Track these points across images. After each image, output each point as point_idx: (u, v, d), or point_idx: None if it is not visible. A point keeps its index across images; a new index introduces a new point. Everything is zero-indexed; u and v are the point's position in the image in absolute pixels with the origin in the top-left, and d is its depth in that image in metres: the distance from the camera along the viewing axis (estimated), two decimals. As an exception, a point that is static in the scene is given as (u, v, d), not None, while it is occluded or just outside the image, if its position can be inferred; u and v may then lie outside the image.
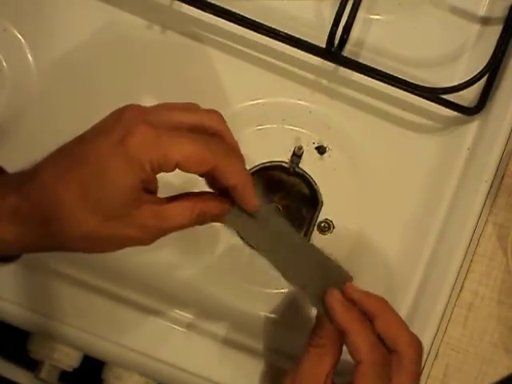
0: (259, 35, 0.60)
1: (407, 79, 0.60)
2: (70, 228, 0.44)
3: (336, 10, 0.58)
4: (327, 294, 0.49)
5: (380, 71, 0.60)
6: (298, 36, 0.60)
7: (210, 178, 0.48)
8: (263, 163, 0.61)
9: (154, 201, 0.46)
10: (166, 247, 0.60)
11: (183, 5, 0.61)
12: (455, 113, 0.61)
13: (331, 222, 0.61)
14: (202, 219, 0.47)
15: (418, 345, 0.48)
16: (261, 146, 0.61)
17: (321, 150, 0.62)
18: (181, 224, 0.47)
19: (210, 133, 0.48)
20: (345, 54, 0.60)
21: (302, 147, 0.61)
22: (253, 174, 0.61)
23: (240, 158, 0.49)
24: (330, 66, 0.62)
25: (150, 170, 0.44)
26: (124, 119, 0.45)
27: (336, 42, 0.59)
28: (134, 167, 0.44)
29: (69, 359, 0.59)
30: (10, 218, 0.44)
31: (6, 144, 0.61)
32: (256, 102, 0.62)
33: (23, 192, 0.44)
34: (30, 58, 0.62)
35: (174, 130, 0.45)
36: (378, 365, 0.47)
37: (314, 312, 0.52)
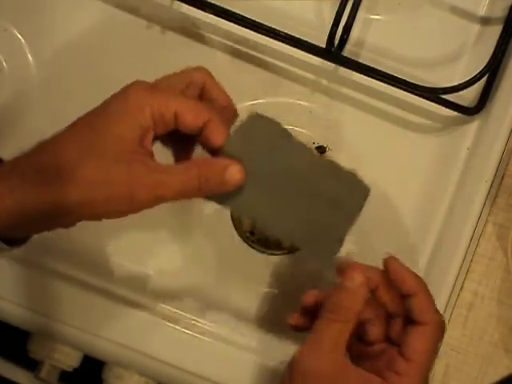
0: (259, 35, 0.60)
1: (407, 79, 0.60)
2: (65, 174, 0.44)
3: (336, 9, 0.58)
4: (388, 260, 0.49)
5: (380, 71, 0.60)
6: (298, 36, 0.60)
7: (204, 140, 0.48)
8: (263, 163, 0.61)
9: (150, 157, 0.46)
10: (165, 247, 0.60)
11: (183, 5, 0.61)
12: (455, 113, 0.61)
13: (331, 221, 0.61)
14: (204, 178, 0.46)
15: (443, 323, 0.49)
16: (261, 146, 0.61)
17: (321, 150, 0.62)
18: (179, 179, 0.45)
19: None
20: (345, 54, 0.60)
21: (302, 147, 0.61)
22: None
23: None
24: (330, 66, 0.62)
25: (149, 115, 0.45)
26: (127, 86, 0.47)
27: (336, 42, 0.59)
28: (132, 108, 0.45)
29: (69, 359, 0.59)
30: (6, 177, 0.44)
31: (6, 144, 0.60)
32: (256, 102, 0.62)
33: (22, 155, 0.45)
34: (30, 58, 0.63)
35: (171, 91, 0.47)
36: (441, 328, 0.48)
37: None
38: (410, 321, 0.48)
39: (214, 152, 0.47)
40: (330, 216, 0.48)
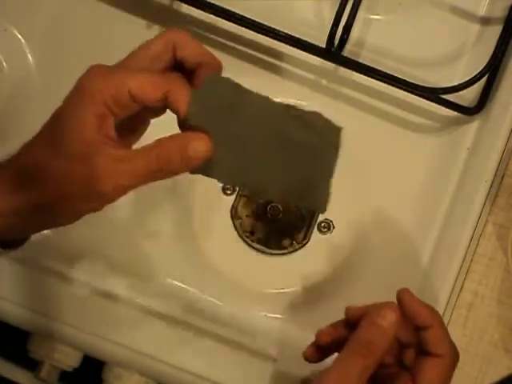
0: (259, 35, 0.60)
1: (407, 79, 0.60)
2: (41, 173, 0.44)
3: (336, 9, 0.58)
4: (401, 292, 0.49)
5: (380, 71, 0.60)
6: (297, 36, 0.60)
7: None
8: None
9: (111, 144, 0.44)
10: (165, 247, 0.60)
11: (183, 5, 0.61)
12: (455, 113, 0.61)
13: (331, 222, 0.61)
14: (164, 158, 0.44)
15: (457, 354, 0.49)
16: (261, 146, 0.61)
17: (321, 149, 0.61)
18: (139, 164, 0.44)
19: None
20: (345, 54, 0.60)
21: (302, 147, 0.61)
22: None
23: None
24: (330, 66, 0.62)
25: (101, 102, 0.44)
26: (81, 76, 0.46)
27: (336, 42, 0.59)
28: (83, 99, 0.44)
29: (69, 359, 0.59)
30: None
31: (6, 144, 0.60)
32: (256, 101, 0.62)
33: (5, 160, 0.45)
34: (30, 58, 0.63)
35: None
36: (455, 360, 0.48)
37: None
38: (423, 351, 0.48)
39: (184, 127, 0.46)
40: (310, 162, 0.47)
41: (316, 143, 0.47)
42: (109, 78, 0.45)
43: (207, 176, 0.46)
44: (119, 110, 0.45)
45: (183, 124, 0.45)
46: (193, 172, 0.45)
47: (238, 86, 0.46)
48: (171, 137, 0.44)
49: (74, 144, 0.44)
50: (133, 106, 0.45)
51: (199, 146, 0.44)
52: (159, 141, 0.44)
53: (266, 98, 0.46)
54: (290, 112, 0.47)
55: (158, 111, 0.48)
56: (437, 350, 0.47)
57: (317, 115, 0.47)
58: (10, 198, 0.44)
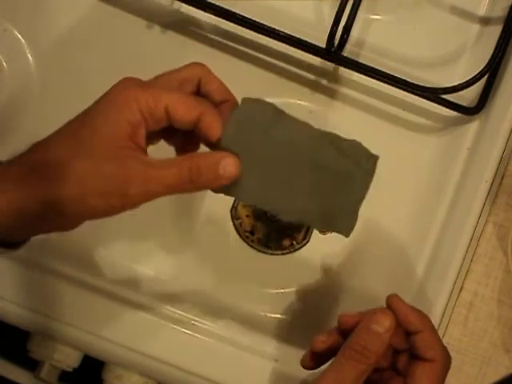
0: (259, 35, 0.60)
1: (407, 79, 0.60)
2: (57, 171, 0.44)
3: (336, 9, 0.58)
4: (390, 298, 0.49)
5: (380, 71, 0.60)
6: (298, 36, 0.60)
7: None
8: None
9: (141, 152, 0.45)
10: (166, 247, 0.60)
11: (183, 5, 0.61)
12: (455, 113, 0.61)
13: (331, 221, 0.61)
14: (195, 171, 0.45)
15: (449, 357, 0.49)
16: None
17: (321, 149, 0.61)
18: (171, 173, 0.44)
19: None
20: (345, 54, 0.60)
21: (302, 147, 0.61)
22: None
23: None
24: (330, 66, 0.62)
25: (137, 110, 0.44)
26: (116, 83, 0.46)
27: (336, 42, 0.59)
28: (118, 104, 0.44)
29: (69, 359, 0.59)
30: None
31: (6, 144, 0.61)
32: (256, 102, 0.62)
33: (16, 157, 0.45)
34: (30, 58, 0.63)
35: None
36: (447, 364, 0.48)
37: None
38: (415, 355, 0.48)
39: (213, 146, 0.47)
40: (340, 189, 0.47)
41: (352, 171, 0.47)
42: (146, 90, 0.45)
43: (230, 196, 0.47)
44: (152, 122, 0.45)
45: (214, 145, 0.46)
46: (218, 191, 0.47)
47: (274, 109, 0.47)
48: (204, 153, 0.46)
49: (105, 146, 0.44)
50: (163, 123, 0.46)
51: (230, 166, 0.45)
52: (191, 155, 0.46)
53: (304, 124, 0.47)
54: (328, 139, 0.47)
55: (174, 132, 0.48)
56: (427, 355, 0.48)
57: (356, 144, 0.48)
58: (16, 194, 0.44)
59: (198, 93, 0.49)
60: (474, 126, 0.61)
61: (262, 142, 0.46)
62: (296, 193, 0.47)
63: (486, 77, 0.59)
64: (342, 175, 0.47)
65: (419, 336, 0.48)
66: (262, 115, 0.47)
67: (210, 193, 0.47)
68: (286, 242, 0.62)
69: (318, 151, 0.47)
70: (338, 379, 0.47)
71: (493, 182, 0.59)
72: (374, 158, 0.48)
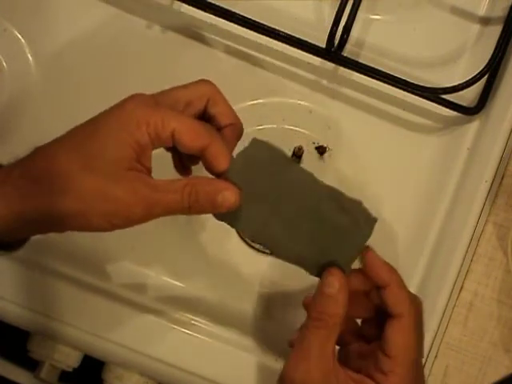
0: (259, 35, 0.60)
1: (407, 79, 0.60)
2: (62, 184, 0.44)
3: (336, 9, 0.58)
4: (365, 253, 0.48)
5: (380, 71, 0.60)
6: (297, 36, 0.60)
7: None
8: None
9: (147, 174, 0.46)
10: (166, 248, 0.60)
11: (183, 5, 0.61)
12: (455, 113, 0.61)
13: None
14: (194, 198, 0.46)
15: (419, 305, 0.49)
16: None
17: (321, 150, 0.61)
18: (173, 198, 0.45)
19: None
20: (345, 54, 0.60)
21: (301, 147, 0.61)
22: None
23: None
24: (330, 65, 0.62)
25: (146, 131, 0.44)
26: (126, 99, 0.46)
27: (336, 41, 0.59)
28: (129, 124, 0.44)
29: (69, 359, 0.59)
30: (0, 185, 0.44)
31: (6, 143, 0.61)
32: (256, 102, 0.62)
33: (17, 162, 0.45)
34: (30, 58, 0.63)
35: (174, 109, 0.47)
36: (418, 317, 0.48)
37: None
38: (388, 314, 0.48)
39: (216, 175, 0.47)
40: (336, 243, 0.48)
41: (350, 229, 0.48)
42: (156, 111, 0.45)
43: (232, 226, 0.48)
44: (158, 143, 0.46)
45: (217, 174, 0.47)
46: (220, 219, 0.48)
47: (283, 156, 0.48)
48: (206, 179, 0.47)
49: (112, 166, 0.44)
50: (168, 145, 0.46)
51: (228, 196, 0.46)
52: (192, 179, 0.46)
53: (310, 175, 0.48)
54: (331, 193, 0.48)
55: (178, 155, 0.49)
56: (396, 311, 0.47)
57: (357, 203, 0.48)
58: (17, 200, 0.44)
59: (205, 113, 0.49)
60: (474, 125, 0.61)
61: (267, 183, 0.47)
62: (294, 237, 0.48)
63: (485, 77, 0.59)
64: (340, 230, 0.48)
65: (387, 291, 0.47)
66: (270, 158, 0.48)
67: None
68: (286, 242, 0.62)
69: (319, 203, 0.48)
70: (303, 349, 0.47)
71: (493, 182, 0.59)
72: (372, 221, 0.49)
